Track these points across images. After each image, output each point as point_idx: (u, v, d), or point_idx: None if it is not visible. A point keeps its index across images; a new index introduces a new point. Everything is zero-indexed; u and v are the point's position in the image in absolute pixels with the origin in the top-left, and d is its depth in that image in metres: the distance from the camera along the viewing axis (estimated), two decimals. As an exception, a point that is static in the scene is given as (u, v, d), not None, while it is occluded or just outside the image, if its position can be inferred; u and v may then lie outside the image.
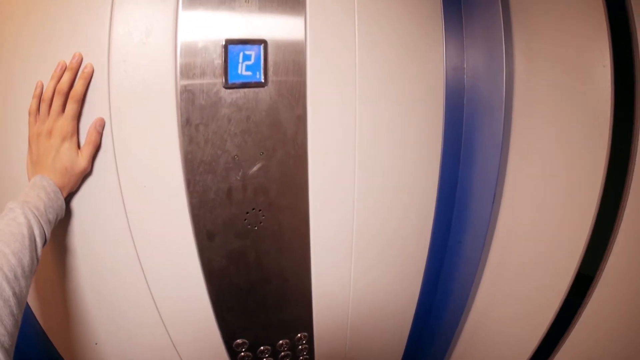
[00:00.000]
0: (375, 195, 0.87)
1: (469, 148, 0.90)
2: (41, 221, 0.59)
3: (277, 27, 0.73)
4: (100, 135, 0.70)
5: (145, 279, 0.79)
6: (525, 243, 0.82)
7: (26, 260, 0.52)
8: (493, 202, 0.85)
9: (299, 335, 0.93)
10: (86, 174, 0.71)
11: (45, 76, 0.68)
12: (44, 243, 0.60)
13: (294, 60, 0.74)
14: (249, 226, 0.79)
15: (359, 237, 0.88)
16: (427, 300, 1.03)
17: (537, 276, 0.80)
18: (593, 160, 0.66)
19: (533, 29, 0.77)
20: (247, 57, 0.72)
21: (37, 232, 0.57)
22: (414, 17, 0.83)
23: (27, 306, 0.80)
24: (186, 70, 0.70)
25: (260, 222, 0.79)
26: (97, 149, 0.71)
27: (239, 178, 0.75)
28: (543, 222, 0.78)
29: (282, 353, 0.94)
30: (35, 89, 0.68)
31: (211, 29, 0.70)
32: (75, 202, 0.73)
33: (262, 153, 0.75)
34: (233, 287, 0.84)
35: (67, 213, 0.73)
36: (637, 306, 0.66)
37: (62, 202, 0.66)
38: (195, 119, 0.71)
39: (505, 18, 0.78)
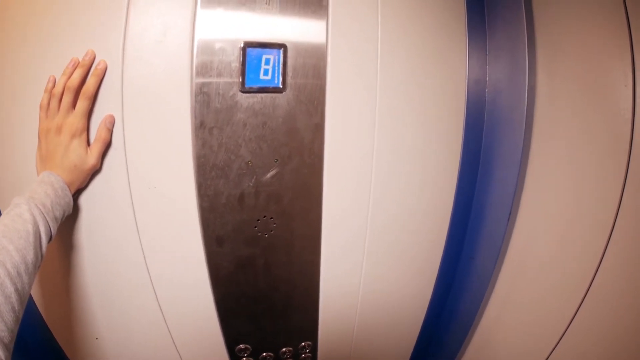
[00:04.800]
0: (390, 207, 0.83)
1: (487, 163, 0.87)
2: (47, 218, 0.57)
3: (298, 31, 0.69)
4: (110, 132, 0.68)
5: (150, 279, 0.77)
6: (538, 263, 0.80)
7: (30, 257, 0.51)
8: (508, 221, 0.82)
9: (303, 343, 0.90)
10: (96, 171, 0.69)
11: (58, 72, 0.65)
12: (50, 239, 0.58)
13: (314, 65, 0.70)
14: (260, 233, 0.76)
15: (371, 249, 0.85)
16: (435, 315, 0.99)
17: (548, 298, 0.78)
18: (611, 181, 0.64)
19: (556, 46, 0.74)
20: (265, 61, 0.68)
21: (42, 229, 0.55)
22: (437, 28, 0.79)
23: (31, 298, 0.79)
24: (202, 72, 0.66)
25: (271, 230, 0.76)
26: (108, 146, 0.69)
27: (251, 184, 0.72)
28: (557, 244, 0.76)
29: (285, 360, 0.93)
30: (47, 83, 0.65)
31: (229, 30, 0.67)
32: (84, 199, 0.70)
33: (277, 160, 0.72)
34: (239, 293, 0.80)
35: (75, 210, 0.70)
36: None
37: (69, 199, 0.64)
38: (210, 122, 0.68)
39: (529, 34, 0.76)
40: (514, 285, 0.86)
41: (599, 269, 0.67)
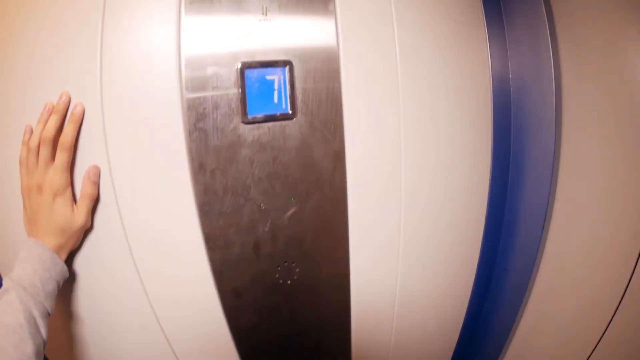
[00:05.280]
0: (423, 238, 0.74)
1: (517, 168, 0.79)
2: (39, 299, 0.52)
3: (303, 44, 0.58)
4: (97, 185, 0.59)
5: (168, 341, 0.68)
6: (574, 270, 0.74)
7: (29, 348, 0.48)
8: (542, 228, 0.75)
9: (337, 387, 0.83)
10: (89, 229, 0.60)
11: (35, 119, 0.57)
12: (49, 314, 0.53)
13: (327, 85, 0.59)
14: (281, 281, 0.66)
15: (404, 284, 0.75)
16: (468, 338, 0.92)
17: (585, 306, 0.73)
18: None
19: (579, 37, 0.68)
20: (269, 84, 0.58)
21: (36, 313, 0.51)
22: (455, 26, 0.69)
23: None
24: (195, 105, 0.56)
25: (294, 276, 0.66)
26: (97, 201, 0.60)
27: (267, 229, 0.62)
28: (593, 248, 0.70)
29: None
30: (24, 134, 0.57)
31: (222, 50, 0.56)
32: (80, 262, 0.62)
33: (294, 199, 0.61)
34: (264, 343, 0.71)
35: (72, 275, 0.62)
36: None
37: (61, 268, 0.57)
38: (210, 164, 0.58)
39: (550, 25, 0.69)
40: (549, 293, 0.81)
41: (632, 275, 0.63)
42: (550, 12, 0.70)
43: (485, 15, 0.74)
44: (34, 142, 0.56)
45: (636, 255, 0.62)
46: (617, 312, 0.66)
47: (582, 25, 0.67)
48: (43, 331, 0.52)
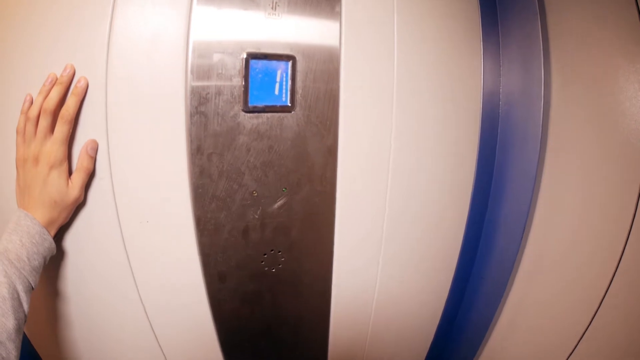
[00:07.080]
0: (405, 237, 0.76)
1: (500, 179, 0.82)
2: (24, 273, 0.50)
3: (308, 40, 0.60)
4: (94, 160, 0.59)
5: (149, 319, 0.68)
6: (549, 283, 0.76)
7: (10, 323, 0.46)
8: (521, 240, 0.77)
9: (313, 378, 0.84)
10: (80, 204, 0.60)
11: (37, 90, 0.56)
12: (32, 289, 0.52)
13: (327, 83, 0.61)
14: (266, 268, 0.68)
15: (383, 280, 0.77)
16: (443, 339, 0.94)
17: (558, 317, 0.75)
18: (627, 198, 0.61)
19: (571, 58, 0.70)
20: (271, 76, 0.60)
21: (20, 287, 0.49)
22: (452, 37, 0.72)
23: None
24: (199, 90, 0.57)
25: (279, 265, 0.68)
26: (92, 176, 0.59)
27: (257, 216, 0.63)
28: (570, 262, 0.72)
29: (295, 395, 0.86)
30: (23, 103, 0.56)
31: (230, 40, 0.58)
32: (68, 238, 0.61)
33: (285, 189, 0.63)
34: (244, 329, 0.72)
35: (59, 251, 0.61)
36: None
37: (49, 243, 0.56)
38: (208, 147, 0.59)
39: (544, 45, 0.71)
40: (523, 304, 0.83)
41: (607, 292, 0.65)
42: (545, 32, 0.73)
43: (483, 31, 0.77)
44: (33, 111, 0.55)
45: (613, 271, 0.64)
46: (589, 326, 0.67)
47: (576, 49, 0.69)
48: (25, 306, 0.50)
